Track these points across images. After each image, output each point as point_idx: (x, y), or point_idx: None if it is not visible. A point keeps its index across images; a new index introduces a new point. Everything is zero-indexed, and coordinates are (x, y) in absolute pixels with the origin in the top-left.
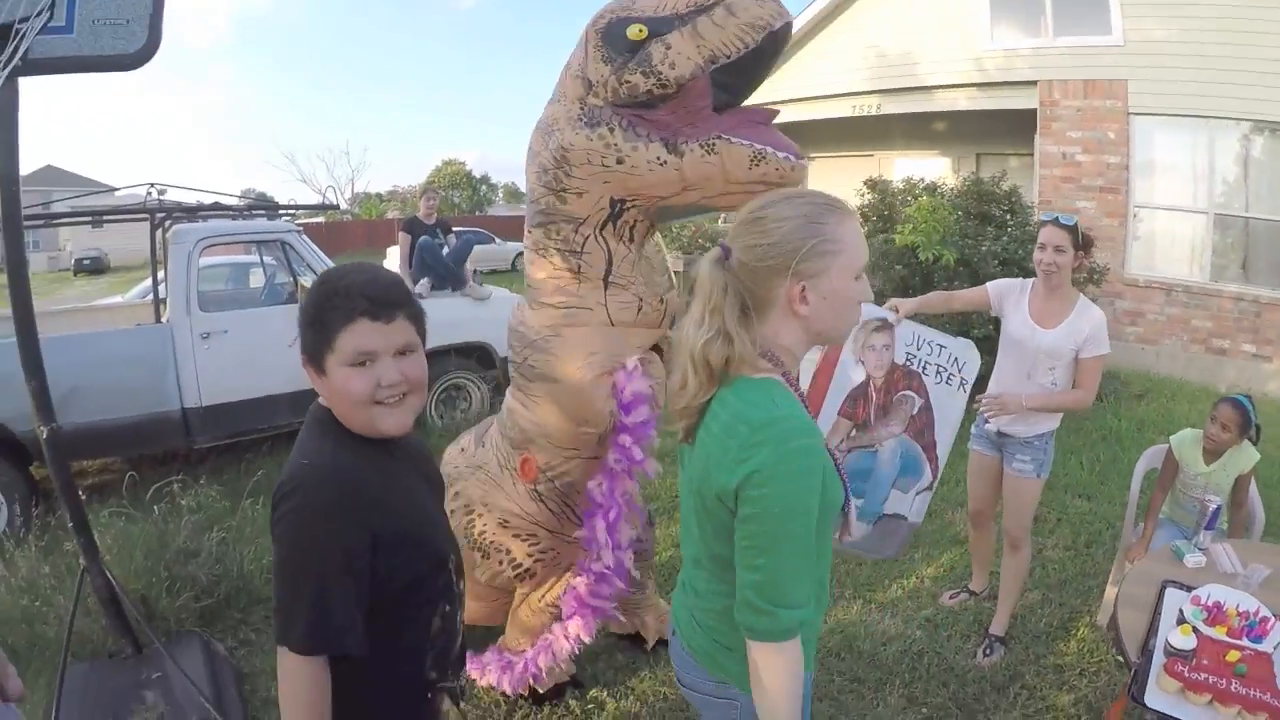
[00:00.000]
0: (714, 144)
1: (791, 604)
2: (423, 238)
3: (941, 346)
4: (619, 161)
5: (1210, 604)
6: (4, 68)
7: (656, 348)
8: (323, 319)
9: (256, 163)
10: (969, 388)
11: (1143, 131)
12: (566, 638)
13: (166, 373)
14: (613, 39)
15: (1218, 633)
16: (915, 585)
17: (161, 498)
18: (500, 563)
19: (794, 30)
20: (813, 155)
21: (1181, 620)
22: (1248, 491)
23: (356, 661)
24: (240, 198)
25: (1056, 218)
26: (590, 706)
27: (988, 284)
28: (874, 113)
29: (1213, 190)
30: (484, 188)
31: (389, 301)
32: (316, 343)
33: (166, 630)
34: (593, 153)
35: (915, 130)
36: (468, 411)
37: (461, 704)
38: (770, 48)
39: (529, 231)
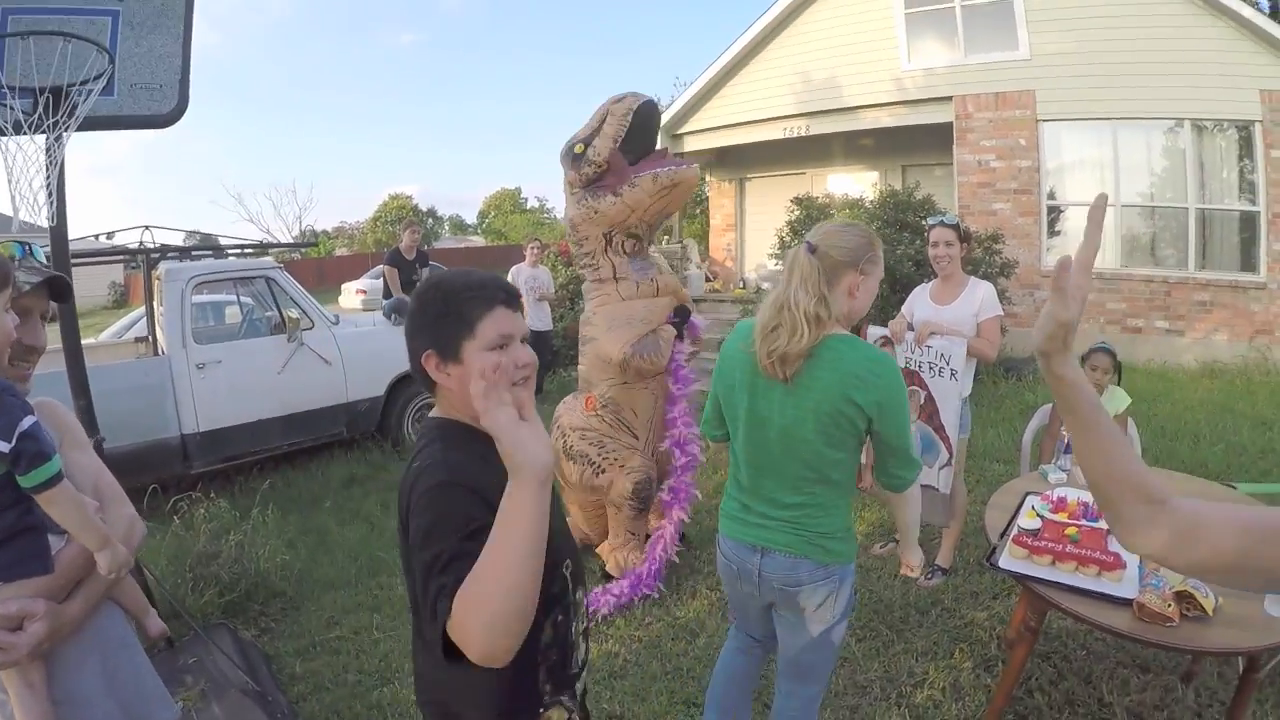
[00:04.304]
0: (634, 182)
1: (918, 458)
2: (394, 300)
3: (929, 347)
4: (596, 212)
5: (1056, 498)
6: (65, 128)
7: (683, 308)
8: (460, 309)
9: (200, 204)
10: (959, 375)
11: (1051, 136)
12: (672, 522)
13: (165, 401)
14: (570, 155)
15: (1060, 517)
16: (867, 532)
17: (176, 512)
18: (583, 464)
19: (730, 58)
20: (749, 175)
21: (1031, 510)
22: (1125, 429)
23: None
24: (189, 235)
25: (942, 219)
26: (665, 617)
27: (902, 307)
28: (803, 134)
29: (1119, 183)
30: (430, 221)
31: (515, 294)
32: (455, 332)
33: (197, 624)
34: (583, 215)
35: (845, 148)
36: None
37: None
38: (639, 120)
39: (583, 262)
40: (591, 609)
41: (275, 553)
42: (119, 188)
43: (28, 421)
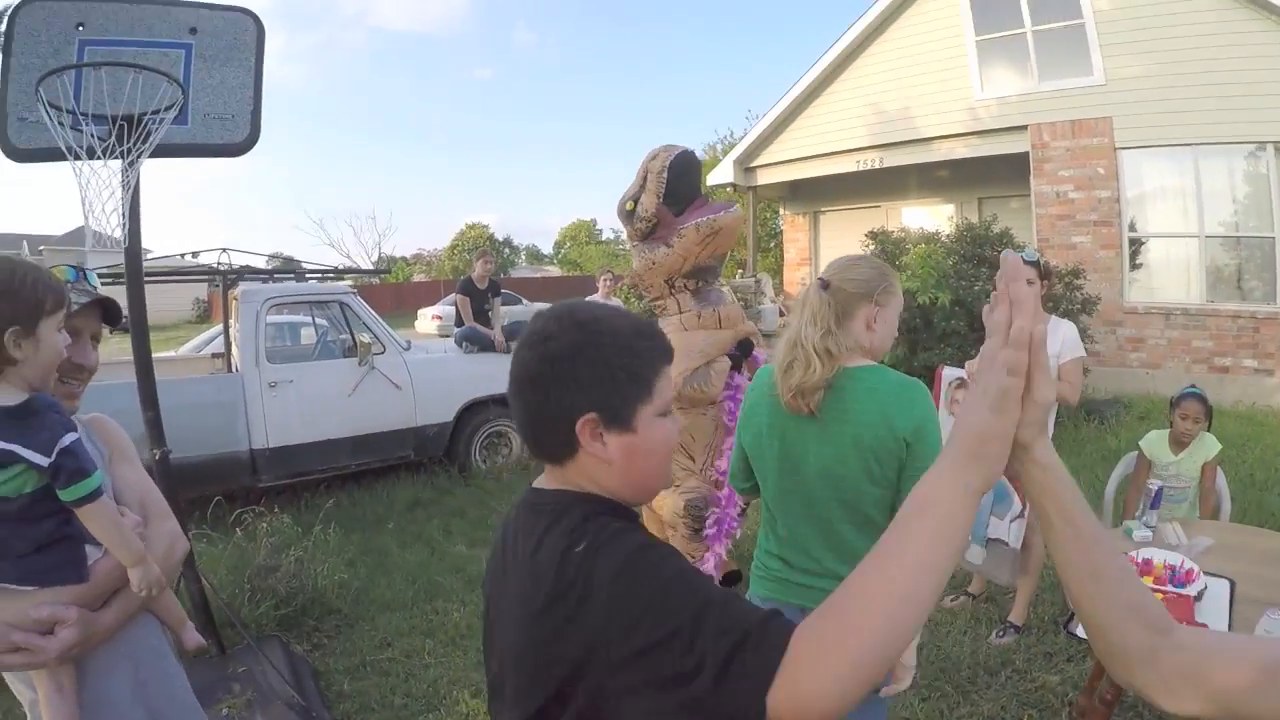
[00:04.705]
0: (682, 232)
1: None
2: (466, 329)
3: None
4: (654, 263)
5: (1140, 560)
6: (138, 155)
7: (747, 341)
8: (633, 365)
9: (282, 226)
10: None
11: (1131, 164)
12: (714, 555)
13: (237, 417)
14: (623, 214)
15: (1145, 582)
16: None
17: (239, 524)
18: None
19: (800, 90)
20: (823, 209)
21: None
22: (1214, 479)
23: None
24: (271, 257)
25: (1021, 255)
26: None
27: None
28: (876, 166)
29: (1202, 213)
30: (506, 250)
31: None
32: (632, 393)
33: (249, 635)
34: (645, 267)
35: (919, 180)
36: (508, 457)
37: None
38: (674, 175)
39: (654, 306)
40: None
41: (334, 570)
42: (211, 210)
43: (69, 438)
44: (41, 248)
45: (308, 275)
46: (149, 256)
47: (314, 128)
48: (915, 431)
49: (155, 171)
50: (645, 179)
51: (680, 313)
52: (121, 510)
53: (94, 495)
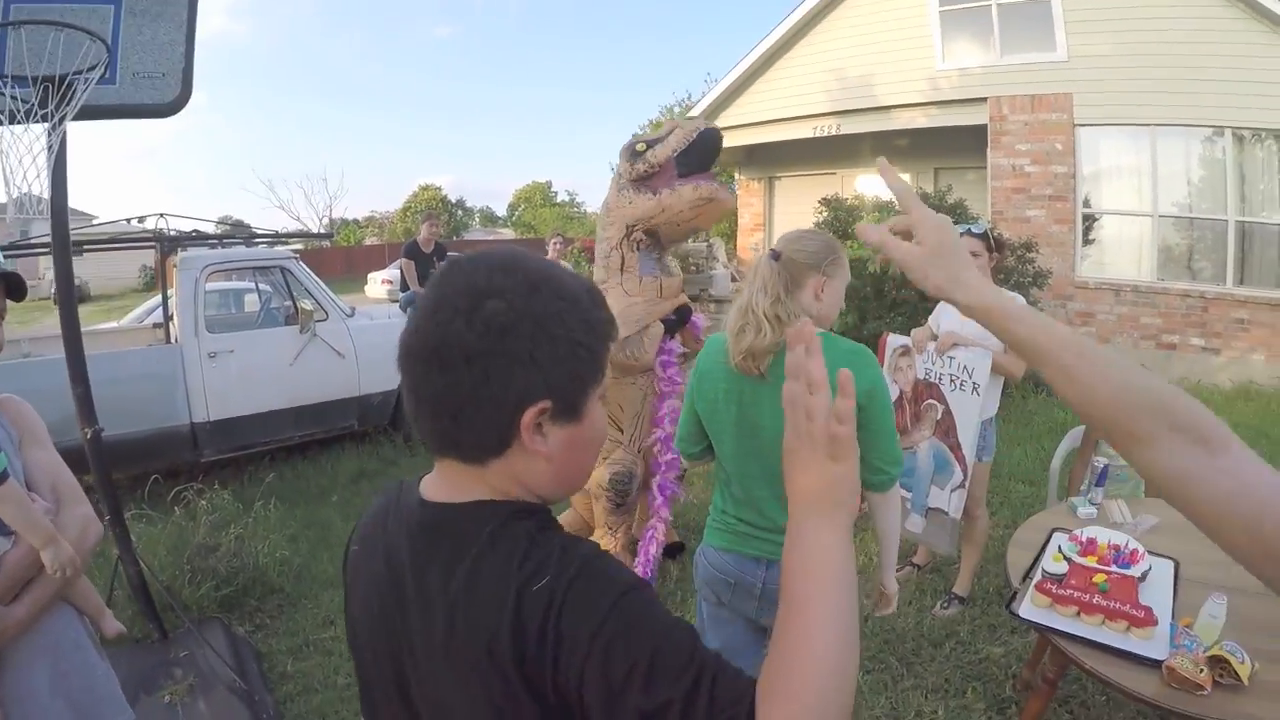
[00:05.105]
0: (675, 187)
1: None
2: (410, 294)
3: (951, 358)
4: (630, 203)
5: (1085, 539)
6: (62, 117)
7: (684, 307)
8: (591, 343)
9: (231, 188)
10: (981, 389)
11: (1088, 141)
12: (661, 520)
13: (176, 389)
14: (630, 151)
15: (1089, 561)
16: (864, 563)
17: (179, 502)
18: None
19: (761, 53)
20: (778, 175)
21: (1058, 552)
22: None
23: None
24: (219, 223)
25: (969, 228)
26: None
27: (929, 318)
28: (834, 133)
29: (1157, 194)
30: (460, 212)
31: None
32: (589, 375)
33: (190, 618)
34: (618, 202)
35: (876, 148)
36: None
37: None
38: (701, 141)
39: (601, 249)
40: None
41: (275, 547)
42: (161, 173)
43: None
44: None
45: (254, 240)
46: (93, 223)
47: (264, 87)
48: (867, 394)
49: (101, 134)
50: (670, 133)
51: (624, 269)
52: (33, 496)
53: (0, 478)
